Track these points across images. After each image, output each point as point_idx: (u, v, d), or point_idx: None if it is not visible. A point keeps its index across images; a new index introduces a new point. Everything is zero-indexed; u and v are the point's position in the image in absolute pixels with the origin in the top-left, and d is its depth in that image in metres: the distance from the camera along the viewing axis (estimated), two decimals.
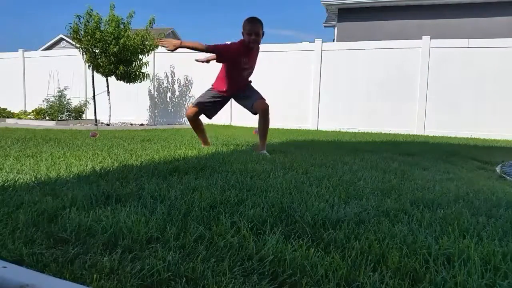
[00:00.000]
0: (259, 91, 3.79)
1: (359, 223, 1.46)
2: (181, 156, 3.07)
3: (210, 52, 3.54)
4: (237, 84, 3.73)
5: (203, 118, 3.98)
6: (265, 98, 3.74)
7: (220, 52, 3.49)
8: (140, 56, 9.12)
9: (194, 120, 3.90)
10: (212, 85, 3.91)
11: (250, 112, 3.81)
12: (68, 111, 9.51)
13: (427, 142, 5.83)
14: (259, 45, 3.59)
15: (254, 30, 3.35)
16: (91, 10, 8.52)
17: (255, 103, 3.62)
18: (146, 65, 9.43)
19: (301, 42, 9.78)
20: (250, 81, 3.83)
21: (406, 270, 1.07)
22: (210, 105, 3.85)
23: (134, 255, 1.11)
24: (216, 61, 3.64)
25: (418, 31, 9.97)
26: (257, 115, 3.68)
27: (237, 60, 3.51)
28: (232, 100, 4.05)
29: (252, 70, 3.76)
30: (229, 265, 1.06)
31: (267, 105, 3.63)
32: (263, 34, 3.45)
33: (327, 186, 2.07)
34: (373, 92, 8.84)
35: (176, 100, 10.59)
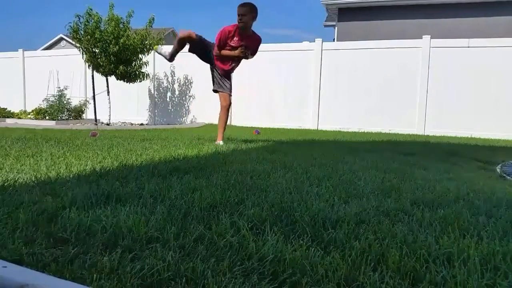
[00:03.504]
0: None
1: (359, 223, 1.46)
2: (181, 156, 3.07)
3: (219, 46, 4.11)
4: (225, 67, 4.24)
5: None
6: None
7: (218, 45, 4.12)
8: (140, 56, 9.11)
9: (183, 43, 4.24)
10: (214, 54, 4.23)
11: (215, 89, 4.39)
12: (68, 110, 9.51)
13: (427, 142, 5.83)
14: (258, 35, 4.15)
15: (238, 12, 3.92)
16: (91, 9, 8.51)
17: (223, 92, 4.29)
18: (146, 65, 9.43)
19: (301, 42, 9.77)
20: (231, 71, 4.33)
21: (406, 269, 1.07)
22: (201, 47, 4.25)
23: (134, 255, 1.10)
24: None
25: (418, 30, 9.96)
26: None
27: (228, 40, 4.07)
28: (217, 101, 4.50)
29: (249, 52, 4.17)
30: (229, 264, 1.06)
31: (230, 101, 4.36)
32: (254, 18, 3.99)
33: (327, 186, 2.06)
34: (373, 91, 8.84)
35: (176, 100, 10.59)
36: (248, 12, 3.92)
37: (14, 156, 2.83)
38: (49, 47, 24.14)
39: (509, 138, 7.63)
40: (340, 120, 9.09)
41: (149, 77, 9.70)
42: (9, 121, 9.45)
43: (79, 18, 8.52)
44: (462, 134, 7.93)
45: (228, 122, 9.70)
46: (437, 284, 1.01)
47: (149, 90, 10.78)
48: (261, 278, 1.01)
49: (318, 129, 9.09)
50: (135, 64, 9.12)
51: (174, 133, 6.07)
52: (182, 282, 0.97)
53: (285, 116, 9.37)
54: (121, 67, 8.75)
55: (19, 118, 9.99)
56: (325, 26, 14.79)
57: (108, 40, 8.40)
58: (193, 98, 10.35)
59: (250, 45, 4.12)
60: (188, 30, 4.14)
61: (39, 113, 9.61)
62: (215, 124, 9.53)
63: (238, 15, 3.92)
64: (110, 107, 9.20)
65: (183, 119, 10.51)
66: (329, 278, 1.01)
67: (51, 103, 9.37)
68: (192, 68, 10.24)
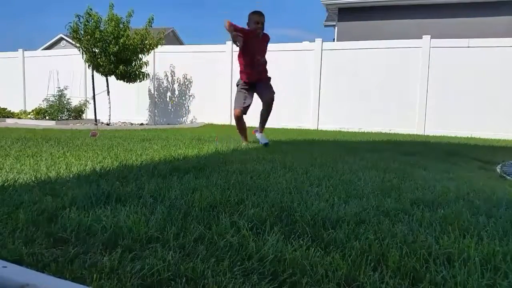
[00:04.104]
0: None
1: (359, 222, 1.46)
2: (181, 156, 3.07)
3: (237, 32, 4.07)
4: (254, 70, 4.37)
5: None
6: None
7: (241, 31, 4.11)
8: (140, 56, 9.11)
9: (240, 120, 4.46)
10: (237, 82, 4.58)
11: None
12: (68, 110, 9.50)
13: (427, 142, 5.83)
14: (268, 35, 4.42)
15: (261, 20, 4.19)
16: (91, 9, 8.51)
17: (267, 94, 4.38)
18: (146, 65, 9.42)
19: (301, 42, 9.77)
20: (270, 78, 4.54)
21: (406, 269, 1.07)
22: (246, 101, 4.42)
23: (134, 255, 1.10)
24: (238, 45, 4.20)
25: (418, 30, 9.96)
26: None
27: (249, 42, 4.17)
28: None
29: (264, 57, 4.48)
30: (229, 264, 1.06)
31: (273, 99, 4.38)
32: (263, 20, 4.28)
33: (327, 185, 2.06)
34: (373, 91, 8.83)
35: (176, 100, 10.59)
36: (264, 20, 4.25)
37: (14, 156, 2.83)
38: (49, 47, 24.11)
39: (509, 138, 7.63)
40: (340, 120, 9.08)
41: (149, 77, 9.69)
42: (9, 121, 9.44)
43: (79, 18, 8.51)
44: (462, 134, 7.92)
45: (228, 122, 9.74)
46: (437, 284, 1.01)
47: (149, 90, 10.78)
48: (261, 278, 1.01)
49: (318, 129, 9.09)
50: (135, 64, 9.12)
51: (174, 133, 6.07)
52: (182, 282, 0.97)
53: (285, 116, 9.36)
54: (121, 67, 8.74)
55: (19, 118, 9.99)
56: (325, 26, 14.79)
57: (108, 40, 8.39)
58: (193, 98, 10.35)
59: (258, 46, 4.37)
60: (235, 110, 4.39)
61: (39, 113, 9.61)
62: (215, 124, 9.55)
63: (257, 23, 4.17)
64: (110, 107, 9.20)
65: (183, 119, 10.51)
66: (329, 278, 1.01)
67: (51, 103, 9.36)
68: (192, 68, 10.25)
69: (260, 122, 4.55)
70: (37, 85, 11.39)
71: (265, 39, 4.46)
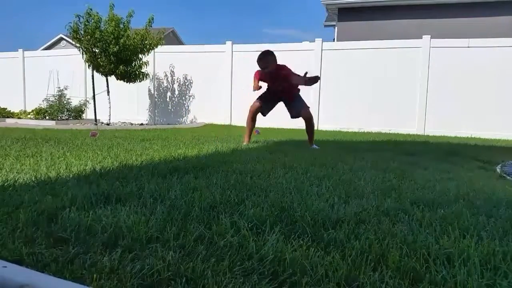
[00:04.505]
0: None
1: (359, 222, 1.46)
2: (181, 156, 3.07)
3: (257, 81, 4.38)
4: (276, 92, 4.54)
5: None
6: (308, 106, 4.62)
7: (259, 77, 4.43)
8: (140, 56, 9.11)
9: (253, 118, 4.61)
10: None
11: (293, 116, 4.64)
12: (68, 110, 9.49)
13: (427, 142, 5.83)
14: (276, 65, 4.33)
15: (263, 66, 4.24)
16: (91, 9, 8.51)
17: (301, 112, 4.50)
18: (146, 65, 9.41)
19: (301, 42, 9.77)
20: (299, 89, 4.60)
21: (406, 269, 1.07)
22: (265, 103, 4.59)
23: (134, 255, 1.11)
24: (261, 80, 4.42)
25: (418, 30, 9.96)
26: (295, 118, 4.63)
27: (266, 79, 4.42)
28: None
29: (284, 83, 4.40)
30: (229, 264, 1.06)
31: (311, 114, 4.52)
32: (274, 60, 4.27)
33: (327, 185, 2.07)
34: (373, 91, 8.83)
35: (176, 100, 10.59)
36: (271, 62, 4.22)
37: (14, 156, 2.83)
38: (49, 47, 24.10)
39: (509, 138, 7.63)
40: (340, 120, 9.08)
41: (149, 77, 9.69)
42: (9, 121, 9.44)
43: (79, 18, 8.50)
44: (462, 134, 7.92)
45: (228, 122, 9.75)
46: (437, 284, 1.01)
47: (149, 90, 10.78)
48: (261, 278, 1.01)
49: (318, 129, 9.08)
50: (135, 64, 9.11)
51: (174, 133, 6.06)
52: (182, 282, 0.97)
53: (285, 116, 9.35)
54: (121, 67, 8.74)
55: (19, 118, 9.99)
56: (325, 26, 14.79)
57: (108, 40, 8.39)
58: (193, 98, 10.35)
59: (279, 75, 4.35)
60: (250, 108, 4.55)
61: (39, 113, 9.60)
62: (215, 124, 9.55)
63: (262, 67, 4.22)
64: (110, 107, 9.19)
65: (183, 119, 10.51)
66: (329, 278, 1.01)
67: (51, 103, 9.36)
68: (192, 68, 10.25)
69: (308, 138, 4.57)
70: (37, 85, 11.39)
71: (279, 69, 4.35)
